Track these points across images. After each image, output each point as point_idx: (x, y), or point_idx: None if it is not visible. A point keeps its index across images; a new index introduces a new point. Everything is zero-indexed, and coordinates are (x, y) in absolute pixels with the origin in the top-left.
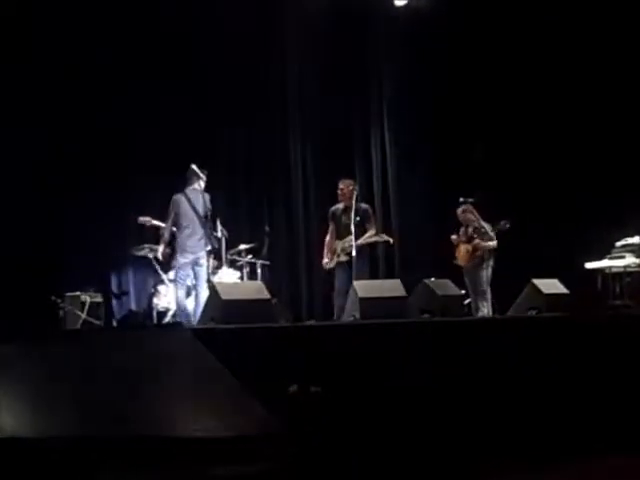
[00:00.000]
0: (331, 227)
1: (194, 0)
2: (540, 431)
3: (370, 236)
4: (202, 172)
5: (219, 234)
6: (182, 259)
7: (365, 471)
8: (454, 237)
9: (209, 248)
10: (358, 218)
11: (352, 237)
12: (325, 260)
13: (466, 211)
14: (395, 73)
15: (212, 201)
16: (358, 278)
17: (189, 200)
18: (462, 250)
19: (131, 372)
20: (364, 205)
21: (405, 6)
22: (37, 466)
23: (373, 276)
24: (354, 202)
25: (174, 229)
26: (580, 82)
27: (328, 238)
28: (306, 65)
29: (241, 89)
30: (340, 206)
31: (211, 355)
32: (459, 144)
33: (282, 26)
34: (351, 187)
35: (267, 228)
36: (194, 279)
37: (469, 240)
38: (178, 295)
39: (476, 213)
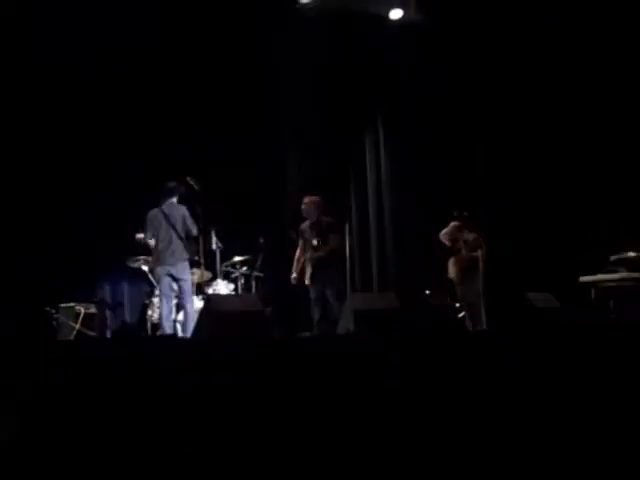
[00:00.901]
0: (300, 243)
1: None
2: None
3: (327, 250)
4: (174, 185)
5: (214, 246)
6: (160, 272)
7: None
8: (442, 233)
9: (189, 260)
10: (315, 241)
11: (313, 252)
12: (293, 275)
13: (456, 227)
14: (392, 85)
15: (207, 214)
16: (329, 291)
17: (165, 214)
18: (451, 263)
19: (125, 382)
20: (327, 218)
21: (401, 19)
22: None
23: (367, 288)
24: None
25: (151, 242)
26: (579, 96)
27: (297, 254)
28: (301, 78)
29: (236, 101)
30: (307, 222)
31: (205, 367)
32: (456, 157)
33: (277, 40)
34: (314, 202)
35: (261, 240)
36: (179, 293)
37: (457, 252)
38: (162, 308)
39: (469, 226)
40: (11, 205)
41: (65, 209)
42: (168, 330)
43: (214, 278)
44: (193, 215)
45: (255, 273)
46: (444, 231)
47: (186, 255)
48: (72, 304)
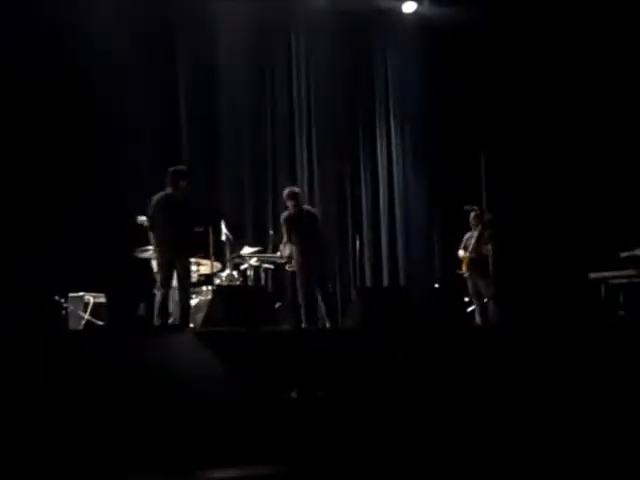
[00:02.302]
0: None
1: None
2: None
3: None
4: (183, 169)
5: (223, 237)
6: (160, 260)
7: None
8: (461, 252)
9: (192, 250)
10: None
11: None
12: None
13: (477, 217)
14: (404, 76)
15: (218, 205)
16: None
17: (170, 200)
18: (467, 257)
19: (133, 373)
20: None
21: (414, 13)
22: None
23: (378, 280)
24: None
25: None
26: (585, 94)
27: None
28: (312, 68)
29: (246, 90)
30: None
31: (213, 357)
32: (467, 148)
33: (291, 27)
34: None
35: (271, 232)
36: (178, 282)
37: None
38: (157, 297)
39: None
40: (20, 195)
41: (73, 198)
42: (165, 319)
43: (223, 269)
44: (201, 205)
45: (265, 265)
46: (460, 251)
47: (188, 244)
48: (81, 293)
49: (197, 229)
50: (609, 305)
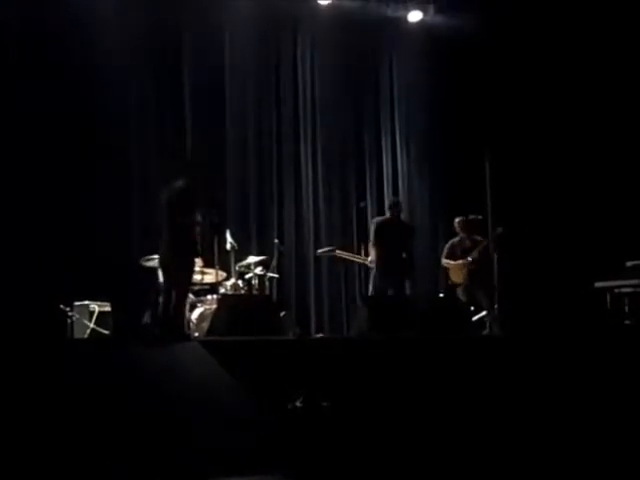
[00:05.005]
0: None
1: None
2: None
3: None
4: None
5: (228, 246)
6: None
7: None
8: (449, 261)
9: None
10: None
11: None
12: None
13: (463, 222)
14: (409, 84)
15: (220, 213)
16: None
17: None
18: (464, 267)
19: (138, 381)
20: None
21: (419, 22)
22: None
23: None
24: None
25: None
26: (591, 105)
27: None
28: (317, 76)
29: (251, 99)
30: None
31: (219, 367)
32: (472, 157)
33: (297, 36)
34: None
35: (277, 241)
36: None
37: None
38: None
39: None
40: (26, 204)
41: (79, 208)
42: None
43: (228, 278)
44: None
45: (269, 274)
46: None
47: (175, 241)
48: (86, 302)
49: (181, 220)
50: (615, 314)
